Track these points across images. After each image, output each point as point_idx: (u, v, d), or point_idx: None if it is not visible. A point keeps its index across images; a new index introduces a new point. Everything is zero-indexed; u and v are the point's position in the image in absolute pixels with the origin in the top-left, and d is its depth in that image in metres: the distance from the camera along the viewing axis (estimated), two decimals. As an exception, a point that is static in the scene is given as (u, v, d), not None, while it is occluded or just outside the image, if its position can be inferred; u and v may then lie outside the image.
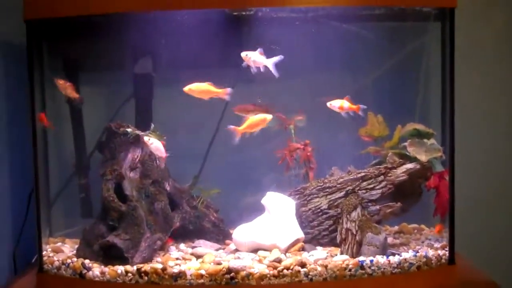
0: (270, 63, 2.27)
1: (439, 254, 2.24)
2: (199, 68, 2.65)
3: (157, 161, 2.41)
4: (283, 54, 2.34)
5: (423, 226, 2.65)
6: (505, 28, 2.89)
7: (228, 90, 2.30)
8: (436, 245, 2.35)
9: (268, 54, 2.40)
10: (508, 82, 2.91)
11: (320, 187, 2.43)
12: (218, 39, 2.53)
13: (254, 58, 2.26)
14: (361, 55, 2.62)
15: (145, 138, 2.28)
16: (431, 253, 2.23)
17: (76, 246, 2.33)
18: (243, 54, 2.27)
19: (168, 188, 2.42)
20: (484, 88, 2.89)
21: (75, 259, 2.23)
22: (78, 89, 2.61)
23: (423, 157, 2.34)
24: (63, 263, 2.21)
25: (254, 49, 2.52)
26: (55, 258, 2.25)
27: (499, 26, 2.88)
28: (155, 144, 2.28)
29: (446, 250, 2.26)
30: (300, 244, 2.29)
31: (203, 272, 2.07)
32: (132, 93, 2.66)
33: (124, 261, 2.15)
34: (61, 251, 2.37)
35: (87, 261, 2.19)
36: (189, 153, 2.63)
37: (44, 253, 2.29)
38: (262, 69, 2.28)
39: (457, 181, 2.25)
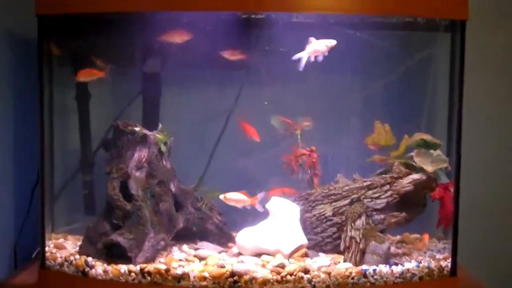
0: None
1: (441, 265, 2.25)
2: (207, 69, 2.66)
3: (164, 161, 2.41)
4: (292, 59, 2.34)
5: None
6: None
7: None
8: (438, 256, 2.35)
9: (278, 57, 2.42)
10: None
11: (325, 193, 2.44)
12: (227, 41, 2.52)
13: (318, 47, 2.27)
14: (371, 63, 2.62)
15: (221, 197, 2.34)
16: (433, 264, 2.24)
17: (79, 243, 2.33)
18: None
19: (173, 189, 2.42)
20: (493, 99, 2.88)
21: (77, 256, 2.23)
22: (86, 84, 2.64)
23: (429, 168, 2.35)
24: (66, 260, 2.21)
25: (263, 52, 2.56)
26: (58, 255, 2.25)
27: (509, 36, 2.88)
28: (236, 197, 2.34)
29: (448, 262, 2.27)
30: (303, 250, 2.30)
31: (206, 274, 2.07)
32: (140, 92, 2.66)
33: (127, 260, 2.15)
34: (63, 248, 2.36)
35: (90, 259, 2.19)
36: (195, 154, 2.64)
37: (46, 249, 2.28)
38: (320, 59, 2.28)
39: (461, 192, 2.26)
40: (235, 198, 2.34)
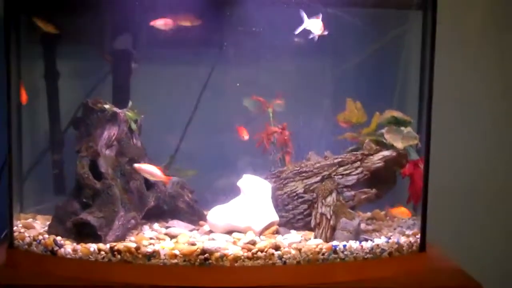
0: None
1: (410, 241, 2.27)
2: (179, 47, 2.63)
3: (134, 139, 2.39)
4: (263, 36, 2.33)
5: (395, 213, 2.68)
6: (488, 15, 2.90)
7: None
8: (408, 232, 2.37)
9: (249, 36, 2.40)
10: (490, 71, 2.91)
11: (296, 171, 2.44)
12: (200, 18, 2.50)
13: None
14: (342, 41, 2.61)
15: (136, 165, 2.26)
16: (402, 240, 2.26)
17: (48, 223, 2.30)
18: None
19: (143, 167, 2.40)
20: (465, 77, 2.90)
21: (46, 235, 2.20)
22: (54, 63, 2.59)
23: (399, 145, 2.36)
24: (34, 240, 2.18)
25: (237, 31, 2.54)
26: (26, 234, 2.21)
27: (483, 13, 2.89)
28: (149, 169, 2.26)
29: (418, 238, 2.29)
30: (274, 227, 2.30)
31: (177, 252, 2.06)
32: (110, 69, 2.62)
33: (97, 239, 2.12)
34: (32, 227, 2.34)
35: (59, 238, 2.16)
36: (166, 132, 2.61)
37: (14, 228, 2.25)
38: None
39: (431, 169, 2.28)
40: (148, 170, 2.27)
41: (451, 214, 2.90)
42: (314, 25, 2.31)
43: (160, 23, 2.38)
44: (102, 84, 2.62)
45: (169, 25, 2.39)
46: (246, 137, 2.50)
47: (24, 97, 2.32)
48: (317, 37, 2.32)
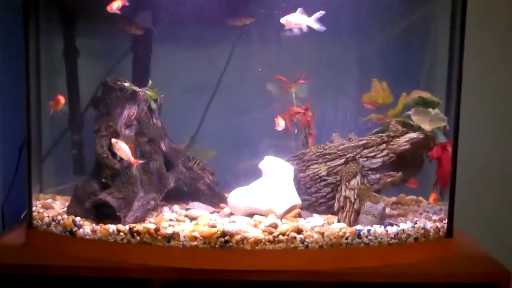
0: (313, 20, 2.21)
1: (437, 227, 2.20)
2: (200, 27, 2.57)
3: (154, 119, 2.34)
4: (284, 18, 2.26)
5: (421, 198, 2.61)
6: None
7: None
8: (434, 217, 2.31)
9: (272, 16, 2.33)
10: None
11: (319, 153, 2.37)
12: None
13: (295, 20, 2.20)
14: (368, 20, 2.53)
15: (113, 140, 2.18)
16: (429, 225, 2.19)
17: (67, 203, 2.27)
18: (282, 20, 2.22)
19: (164, 148, 2.36)
20: (494, 60, 2.80)
21: (65, 216, 2.18)
22: (74, 41, 2.55)
23: (427, 126, 2.28)
24: (53, 220, 2.16)
25: (257, 10, 2.47)
26: (45, 214, 2.20)
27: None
28: (123, 148, 2.17)
29: (445, 223, 2.22)
30: (296, 211, 2.25)
31: (197, 234, 2.02)
32: (130, 48, 2.57)
33: (116, 220, 2.09)
34: (51, 208, 2.32)
35: (78, 219, 2.13)
36: (187, 112, 2.57)
37: (34, 209, 2.23)
38: (305, 29, 2.21)
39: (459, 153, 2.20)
40: (123, 148, 2.17)
41: (480, 199, 2.82)
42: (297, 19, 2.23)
43: None
44: (123, 62, 2.57)
45: None
46: (281, 127, 2.43)
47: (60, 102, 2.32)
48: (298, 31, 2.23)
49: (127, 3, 2.24)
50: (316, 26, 2.22)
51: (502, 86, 2.83)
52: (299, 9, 2.21)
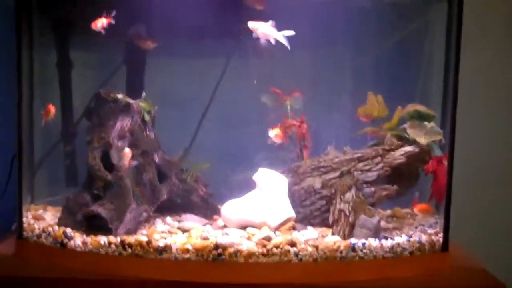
0: (281, 35, 2.18)
1: (432, 240, 2.18)
2: (194, 38, 2.57)
3: (147, 131, 2.33)
4: (280, 28, 2.26)
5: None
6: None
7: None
8: (430, 231, 2.28)
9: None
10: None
11: (314, 166, 2.36)
12: (216, 8, 2.43)
13: (263, 29, 2.16)
14: (363, 33, 2.53)
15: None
16: (424, 238, 2.17)
17: (58, 215, 2.25)
18: (250, 24, 2.17)
19: (157, 160, 2.34)
20: (490, 72, 2.80)
21: (56, 227, 2.15)
22: (68, 54, 2.54)
23: (422, 140, 2.27)
24: (43, 231, 2.13)
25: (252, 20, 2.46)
26: (36, 226, 2.17)
27: (510, 6, 2.80)
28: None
29: (440, 237, 2.20)
30: (290, 223, 2.22)
31: (189, 246, 1.99)
32: (124, 60, 2.56)
33: (107, 232, 2.07)
34: (42, 219, 2.29)
35: (69, 230, 2.11)
36: (181, 124, 2.55)
37: (24, 220, 2.21)
38: (273, 42, 2.18)
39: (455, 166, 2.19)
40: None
41: (475, 211, 2.80)
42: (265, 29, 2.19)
43: None
44: (116, 74, 2.56)
45: None
46: (279, 140, 2.40)
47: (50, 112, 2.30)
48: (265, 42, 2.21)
49: (112, 21, 2.22)
50: (283, 41, 2.18)
51: (498, 94, 2.82)
52: (270, 21, 2.19)
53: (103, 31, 2.21)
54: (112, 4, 2.39)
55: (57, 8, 2.48)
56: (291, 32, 2.18)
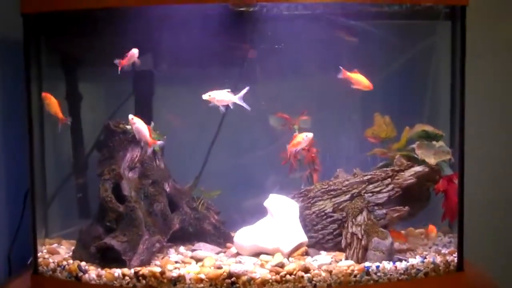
0: (237, 98, 2.20)
1: (447, 260, 2.17)
2: (201, 66, 2.59)
3: (157, 161, 2.34)
4: (287, 53, 2.27)
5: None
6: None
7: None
8: (444, 251, 2.27)
9: (272, 53, 2.34)
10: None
11: (324, 189, 2.36)
12: (221, 37, 2.45)
13: (219, 97, 2.19)
14: (369, 54, 2.54)
15: (130, 116, 2.17)
16: (439, 259, 2.16)
17: (73, 248, 2.26)
18: (205, 96, 2.20)
19: (167, 189, 2.35)
20: (496, 89, 2.80)
21: (71, 261, 2.16)
22: (77, 86, 2.57)
23: (431, 160, 2.27)
24: (58, 265, 2.14)
25: (259, 47, 2.48)
26: (51, 260, 2.18)
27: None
28: (138, 125, 2.17)
29: (455, 257, 2.19)
30: (303, 249, 2.22)
31: (203, 276, 1.99)
32: (132, 91, 2.59)
33: (121, 263, 2.08)
34: (57, 253, 2.30)
35: (83, 264, 2.12)
36: (191, 153, 2.56)
37: (39, 254, 2.22)
38: (231, 106, 2.21)
39: (466, 185, 2.18)
40: (141, 127, 2.19)
41: (490, 229, 2.78)
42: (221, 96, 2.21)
43: None
44: (125, 105, 2.58)
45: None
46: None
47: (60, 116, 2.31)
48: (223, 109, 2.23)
49: (136, 60, 2.25)
50: (242, 103, 2.20)
51: (506, 110, 2.82)
52: (226, 90, 2.21)
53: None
54: (119, 35, 2.45)
55: (64, 42, 2.51)
56: (245, 90, 2.21)
